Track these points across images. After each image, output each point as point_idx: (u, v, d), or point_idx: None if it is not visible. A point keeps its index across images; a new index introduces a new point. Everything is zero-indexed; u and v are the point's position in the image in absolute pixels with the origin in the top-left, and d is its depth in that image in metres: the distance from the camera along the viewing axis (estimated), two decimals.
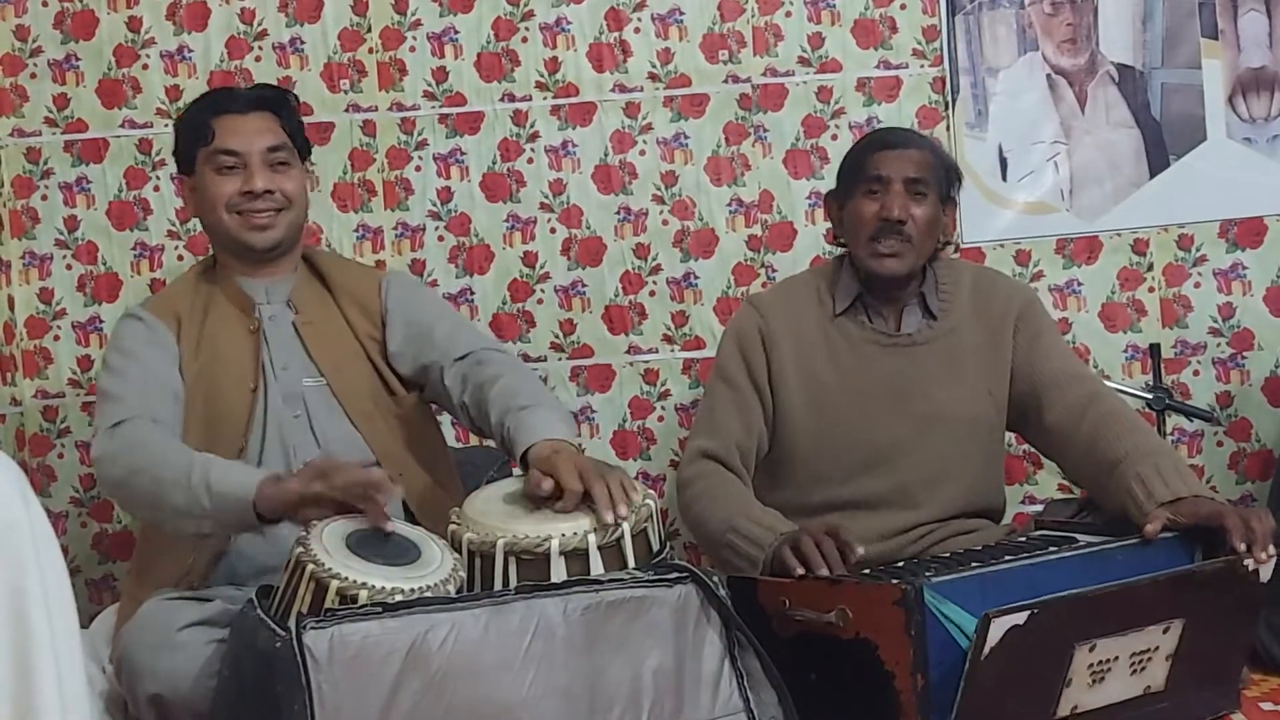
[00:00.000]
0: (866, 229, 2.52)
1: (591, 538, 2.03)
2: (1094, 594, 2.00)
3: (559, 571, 2.02)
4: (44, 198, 3.17)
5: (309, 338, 2.47)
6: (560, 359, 3.18)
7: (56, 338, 3.18)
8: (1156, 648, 2.07)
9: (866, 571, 2.13)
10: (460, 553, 2.07)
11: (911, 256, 2.52)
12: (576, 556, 2.02)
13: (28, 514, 1.51)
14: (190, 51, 3.17)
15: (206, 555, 2.33)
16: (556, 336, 3.19)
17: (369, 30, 3.18)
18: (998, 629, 1.89)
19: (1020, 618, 1.90)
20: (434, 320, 2.52)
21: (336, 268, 2.60)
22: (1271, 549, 2.11)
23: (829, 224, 3.12)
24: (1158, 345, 3.10)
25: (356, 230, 3.17)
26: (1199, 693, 2.17)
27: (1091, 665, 2.01)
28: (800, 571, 2.13)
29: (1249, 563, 2.09)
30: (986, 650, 1.89)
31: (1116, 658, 2.03)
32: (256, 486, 2.09)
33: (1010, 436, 2.72)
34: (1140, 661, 2.06)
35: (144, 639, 2.12)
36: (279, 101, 2.51)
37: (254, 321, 2.46)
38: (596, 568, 2.03)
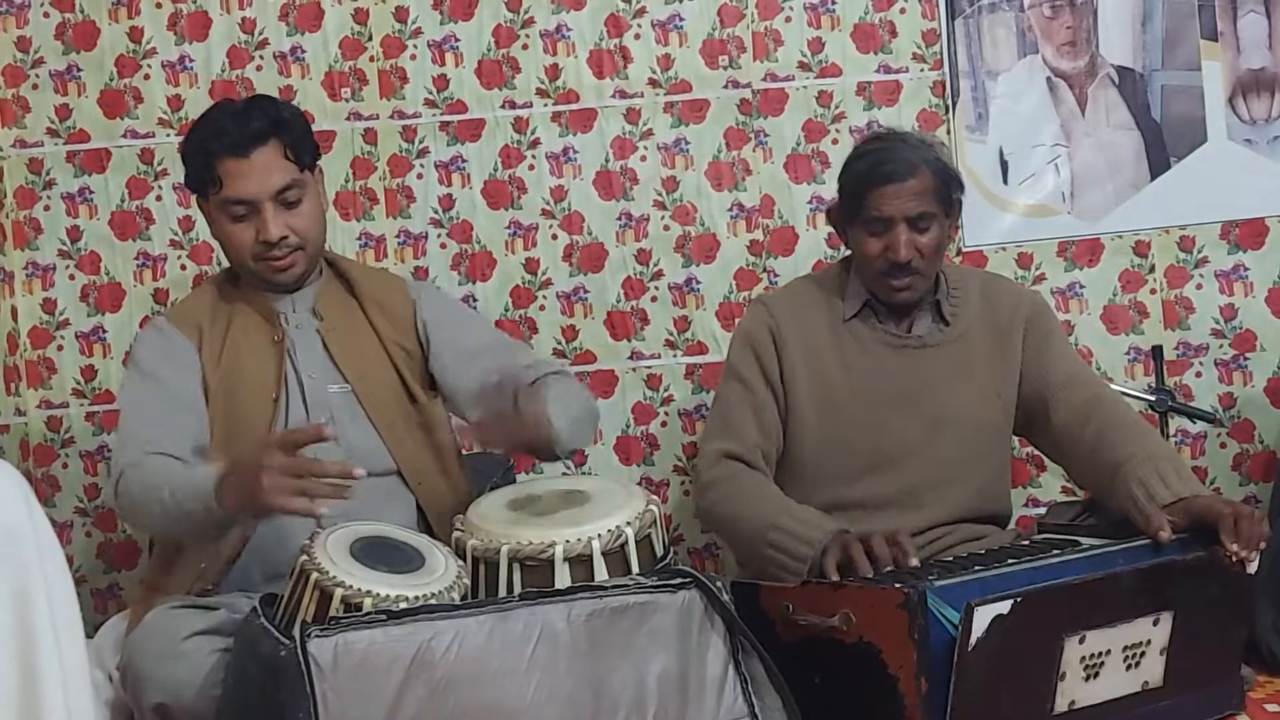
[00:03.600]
0: (873, 266, 2.50)
1: (595, 543, 2.03)
2: (1077, 583, 2.02)
3: (563, 577, 2.02)
4: (46, 208, 3.18)
5: (333, 344, 2.47)
6: (563, 365, 3.18)
7: (60, 348, 3.18)
8: (1149, 641, 2.08)
9: (869, 575, 2.13)
10: (465, 559, 2.08)
11: (922, 284, 2.52)
12: (580, 562, 2.03)
13: (31, 521, 1.51)
14: (192, 61, 3.18)
15: (219, 562, 2.33)
16: (559, 343, 3.19)
17: (370, 39, 3.19)
18: (982, 618, 1.90)
19: (1004, 607, 1.91)
20: (482, 347, 2.53)
21: (361, 273, 2.60)
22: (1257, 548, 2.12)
23: (830, 228, 3.14)
24: (1160, 347, 3.10)
25: (359, 238, 3.18)
26: (1200, 691, 2.17)
27: (1084, 658, 2.02)
28: (835, 577, 2.13)
29: (1231, 553, 2.10)
30: (973, 641, 1.90)
31: (1109, 651, 2.04)
32: (213, 487, 2.07)
33: (1014, 440, 2.72)
34: (1134, 656, 2.07)
35: (148, 648, 2.12)
36: (277, 125, 2.39)
37: (278, 332, 2.46)
38: (601, 573, 2.04)
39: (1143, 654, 2.08)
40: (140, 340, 2.51)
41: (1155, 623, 2.07)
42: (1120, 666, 2.06)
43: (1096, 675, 2.04)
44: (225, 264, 3.10)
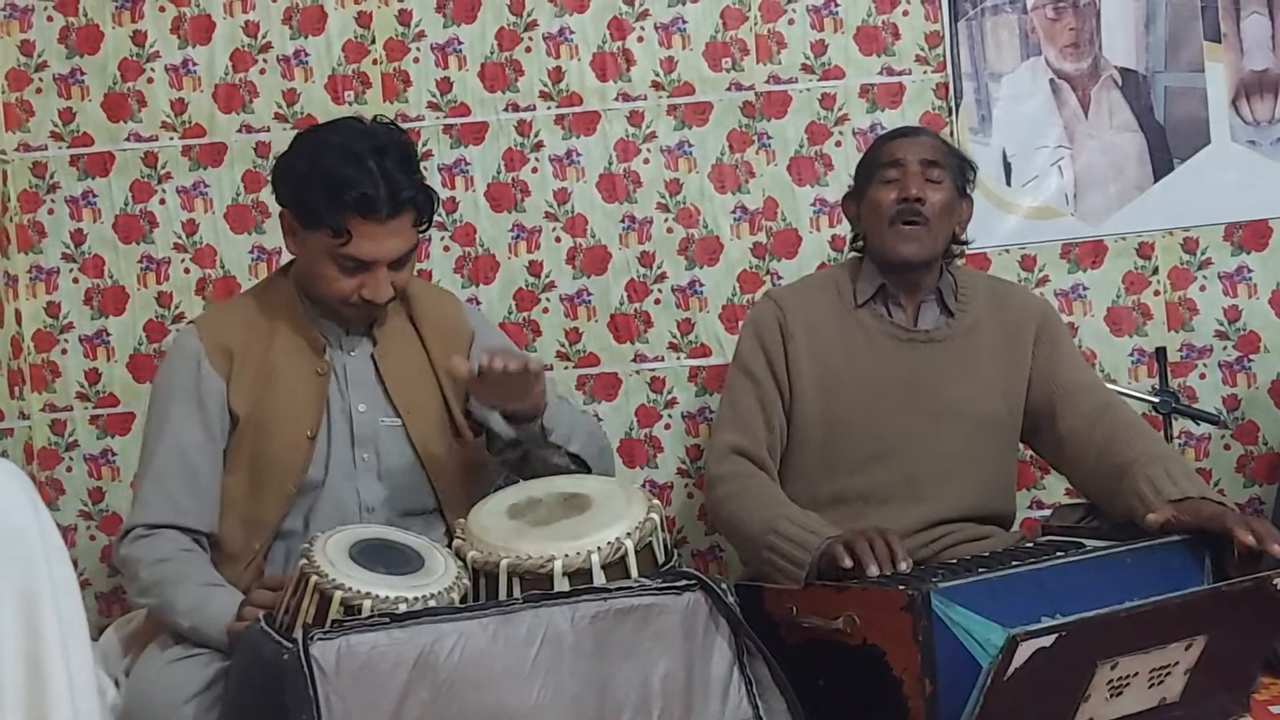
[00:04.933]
0: (885, 213, 2.55)
1: (595, 557, 2.02)
2: (1123, 614, 1.97)
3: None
4: (50, 212, 3.18)
5: (387, 372, 2.41)
6: (566, 368, 3.18)
7: (64, 351, 3.18)
8: (1177, 663, 2.06)
9: (873, 576, 2.12)
10: (464, 567, 2.07)
11: (929, 240, 2.54)
12: (580, 576, 2.02)
13: (37, 522, 1.52)
14: (195, 65, 3.18)
15: (243, 582, 2.30)
16: (562, 345, 3.19)
17: (373, 42, 3.19)
18: (1024, 652, 1.86)
19: (1047, 640, 1.87)
20: None
21: (419, 290, 2.52)
22: None
23: (835, 229, 3.15)
24: (1163, 349, 3.10)
25: None
26: (1211, 700, 2.16)
27: (1111, 681, 1.99)
28: (848, 563, 2.12)
29: (1278, 582, 2.06)
30: (1010, 672, 1.86)
31: (1136, 673, 2.02)
32: (227, 628, 2.14)
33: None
34: (1159, 676, 2.05)
35: (148, 711, 2.13)
36: (419, 194, 2.31)
37: (323, 364, 2.39)
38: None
39: (1168, 673, 2.06)
40: (169, 368, 2.42)
41: (1188, 647, 2.05)
42: (1144, 685, 2.04)
43: (1120, 694, 2.02)
44: (229, 269, 3.15)
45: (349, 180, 2.24)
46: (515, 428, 2.38)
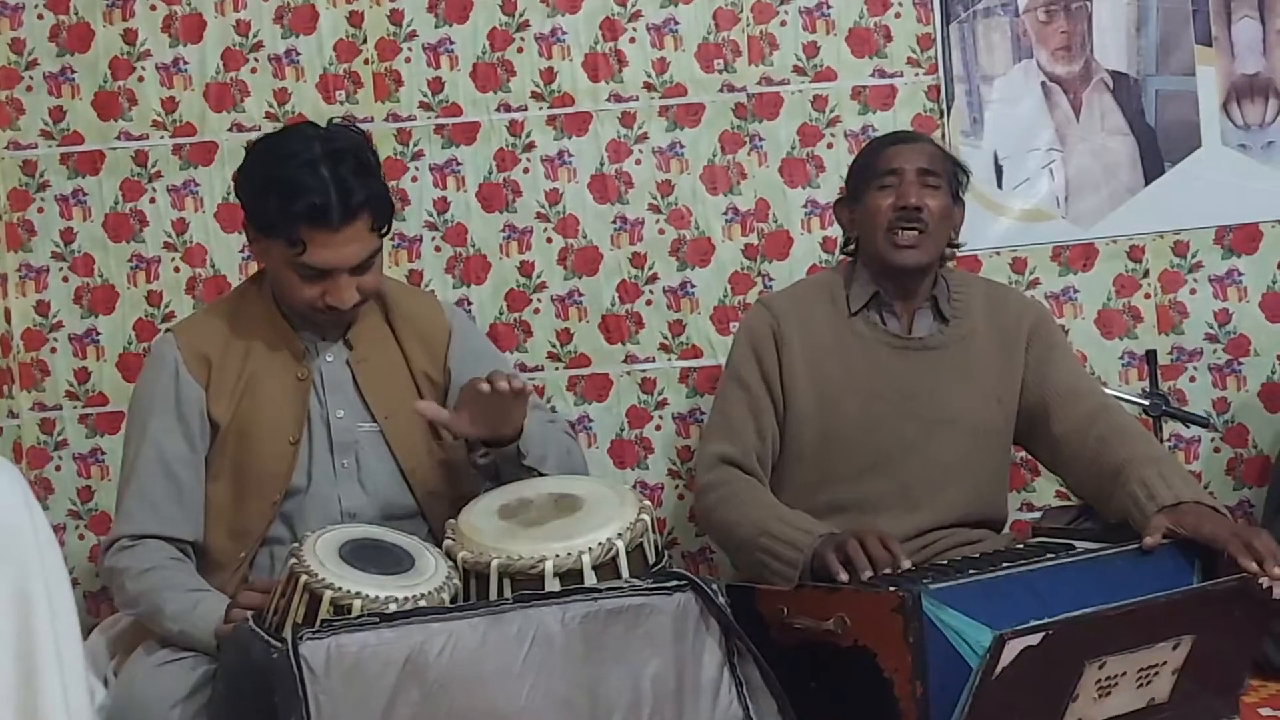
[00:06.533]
0: (883, 220, 2.53)
1: (586, 558, 2.02)
2: (1109, 613, 1.97)
3: None
4: (40, 210, 3.17)
5: (363, 378, 2.39)
6: (557, 369, 3.18)
7: (53, 350, 3.17)
8: (1164, 663, 2.06)
9: (865, 580, 2.12)
10: (455, 567, 2.07)
11: (928, 246, 2.53)
12: (571, 577, 2.02)
13: (31, 519, 1.51)
14: (186, 64, 3.17)
15: (229, 588, 2.29)
16: (553, 346, 3.19)
17: (364, 41, 3.18)
18: (1011, 650, 1.86)
19: (1034, 639, 1.88)
20: None
21: (397, 293, 2.49)
22: None
23: (827, 230, 3.15)
24: (1154, 351, 3.11)
25: None
26: (1200, 701, 2.16)
27: (1099, 681, 2.00)
28: (844, 576, 2.12)
29: (1264, 581, 2.08)
30: (998, 670, 1.87)
31: (1124, 673, 2.02)
32: (215, 631, 2.14)
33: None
34: (1147, 676, 2.05)
35: (135, 714, 2.13)
36: (372, 197, 2.26)
37: (303, 370, 2.37)
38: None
39: (1156, 674, 2.06)
40: (147, 377, 2.40)
41: (1175, 647, 2.06)
42: (1132, 686, 2.05)
43: (1108, 694, 2.02)
44: (219, 268, 3.14)
45: (299, 189, 2.20)
46: (491, 450, 2.34)
